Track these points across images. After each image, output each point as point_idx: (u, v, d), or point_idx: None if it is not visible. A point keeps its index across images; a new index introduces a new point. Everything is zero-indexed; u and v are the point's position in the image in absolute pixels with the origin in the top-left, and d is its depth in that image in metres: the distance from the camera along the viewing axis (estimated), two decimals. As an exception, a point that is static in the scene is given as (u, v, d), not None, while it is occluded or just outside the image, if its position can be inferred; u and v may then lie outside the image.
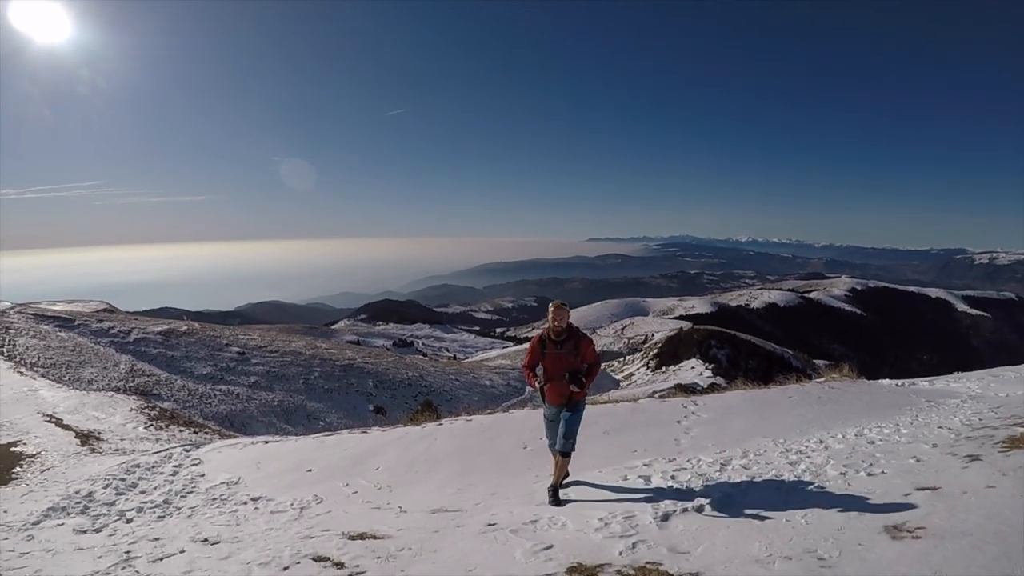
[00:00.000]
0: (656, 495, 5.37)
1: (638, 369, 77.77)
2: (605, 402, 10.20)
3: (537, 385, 6.01)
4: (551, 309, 5.95)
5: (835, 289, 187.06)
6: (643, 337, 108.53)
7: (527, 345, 6.73)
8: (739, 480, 5.57)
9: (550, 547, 4.39)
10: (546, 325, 6.04)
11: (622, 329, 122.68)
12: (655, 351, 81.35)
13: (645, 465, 6.52)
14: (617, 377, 70.75)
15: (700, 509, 4.89)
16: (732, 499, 5.03)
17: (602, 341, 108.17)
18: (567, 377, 5.84)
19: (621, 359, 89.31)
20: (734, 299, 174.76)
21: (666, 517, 4.75)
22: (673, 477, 5.91)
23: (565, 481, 6.30)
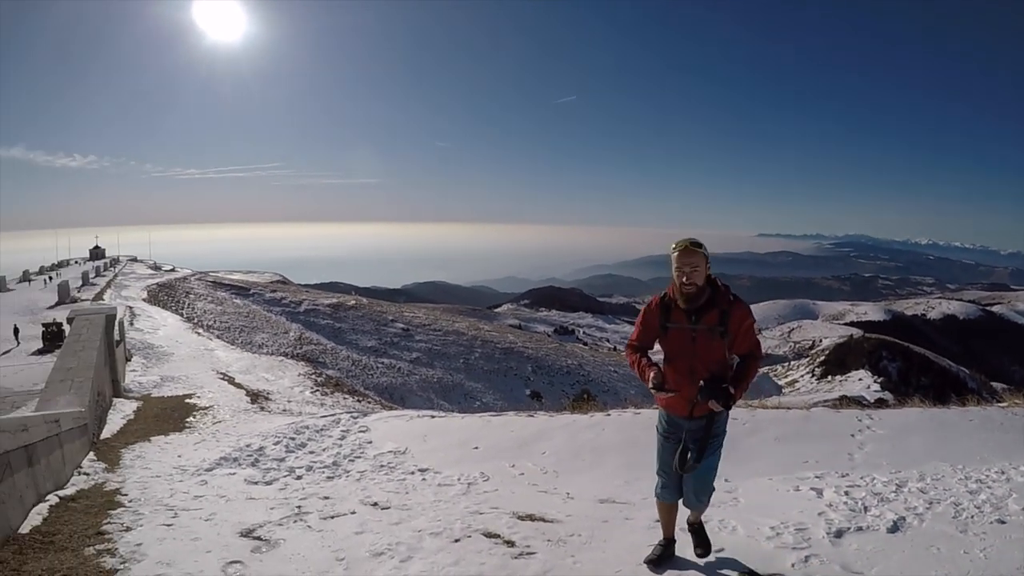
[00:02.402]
0: (828, 509, 5.37)
1: (802, 376, 76.83)
2: (775, 407, 10.26)
3: (650, 382, 3.96)
4: (676, 252, 3.97)
5: (1020, 304, 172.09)
6: (810, 342, 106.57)
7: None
8: (915, 504, 5.45)
9: (720, 550, 4.49)
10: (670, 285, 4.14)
11: (789, 332, 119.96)
12: (822, 358, 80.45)
13: (817, 477, 6.50)
14: (780, 383, 70.01)
15: (874, 529, 4.91)
16: (907, 523, 5.01)
17: (767, 343, 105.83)
18: (704, 384, 3.83)
19: (785, 364, 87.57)
20: (909, 307, 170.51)
21: (839, 534, 4.79)
22: (847, 493, 5.81)
23: (704, 559, 4.41)
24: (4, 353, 28.06)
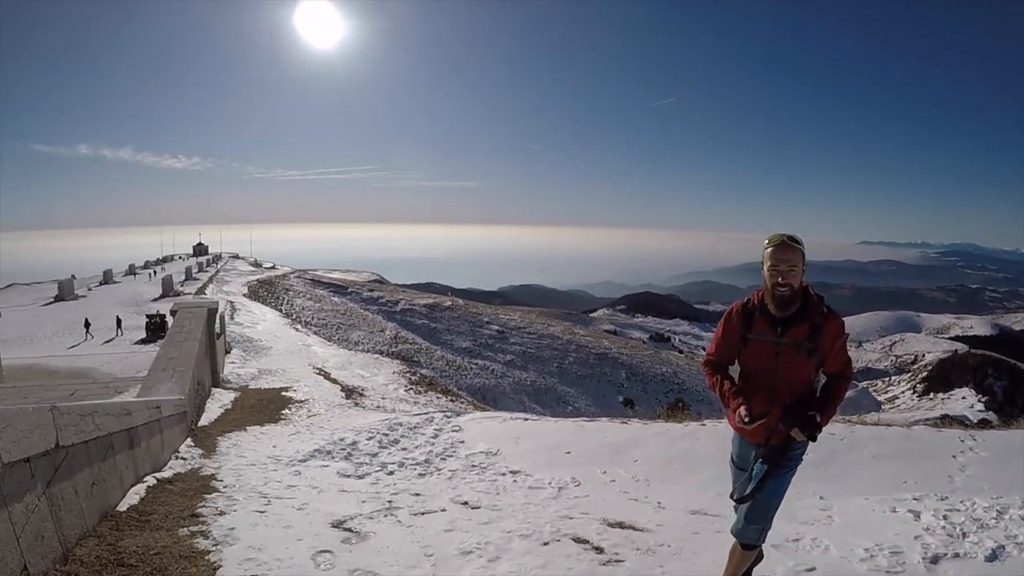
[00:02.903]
0: (925, 533, 5.29)
1: (903, 392, 75.25)
2: (874, 423, 10.07)
3: (739, 419, 3.45)
4: (770, 248, 3.48)
5: None
6: (912, 357, 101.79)
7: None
8: (1016, 532, 5.33)
9: (812, 569, 4.50)
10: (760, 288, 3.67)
11: (891, 346, 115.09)
12: (924, 374, 78.91)
13: (915, 499, 6.33)
14: (880, 399, 68.45)
15: (971, 557, 4.82)
16: (1006, 552, 4.91)
17: (867, 356, 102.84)
18: (786, 410, 3.43)
19: (886, 379, 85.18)
20: (1019, 322, 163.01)
21: (935, 560, 4.74)
22: (945, 517, 5.69)
23: None
24: (107, 341, 29.96)
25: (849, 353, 3.65)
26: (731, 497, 3.79)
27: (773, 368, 3.51)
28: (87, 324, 32.03)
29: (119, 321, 32.91)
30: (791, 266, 3.39)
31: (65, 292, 46.42)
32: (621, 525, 5.55)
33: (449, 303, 58.62)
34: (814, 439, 3.39)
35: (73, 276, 54.92)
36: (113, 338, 31.19)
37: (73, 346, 29.38)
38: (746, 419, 3.37)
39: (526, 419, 12.18)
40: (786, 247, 3.42)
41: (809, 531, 5.30)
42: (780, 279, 3.40)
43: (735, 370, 3.75)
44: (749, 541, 3.80)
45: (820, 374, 3.62)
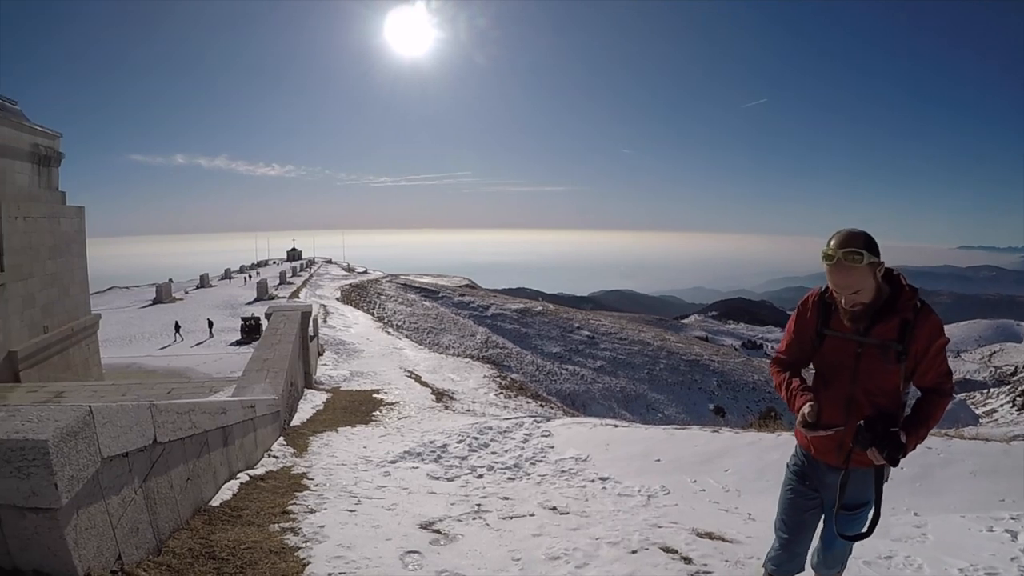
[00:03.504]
0: (1022, 555, 5.16)
1: (1002, 405, 69.66)
2: (972, 438, 9.49)
3: (801, 417, 2.96)
4: (827, 266, 2.85)
5: None
6: (1012, 368, 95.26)
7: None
8: None
9: None
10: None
11: (990, 356, 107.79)
12: None
13: (1012, 519, 6.11)
14: (977, 412, 64.17)
15: None
16: None
17: (965, 367, 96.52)
18: (863, 425, 2.82)
19: (984, 391, 79.83)
20: None
21: None
22: None
23: None
24: (198, 344, 31.44)
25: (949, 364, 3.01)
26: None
27: (852, 372, 2.97)
28: (177, 327, 33.71)
29: (210, 324, 34.52)
30: (854, 292, 2.83)
31: (163, 295, 49.05)
32: (710, 536, 5.50)
33: (540, 308, 58.84)
34: (895, 463, 2.75)
35: (171, 280, 57.97)
36: (204, 340, 32.73)
37: (164, 347, 30.94)
38: (810, 419, 2.88)
39: (616, 425, 12.07)
40: (843, 269, 2.78)
41: (902, 548, 5.24)
42: (845, 303, 2.90)
43: (809, 374, 3.23)
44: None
45: (910, 387, 3.01)
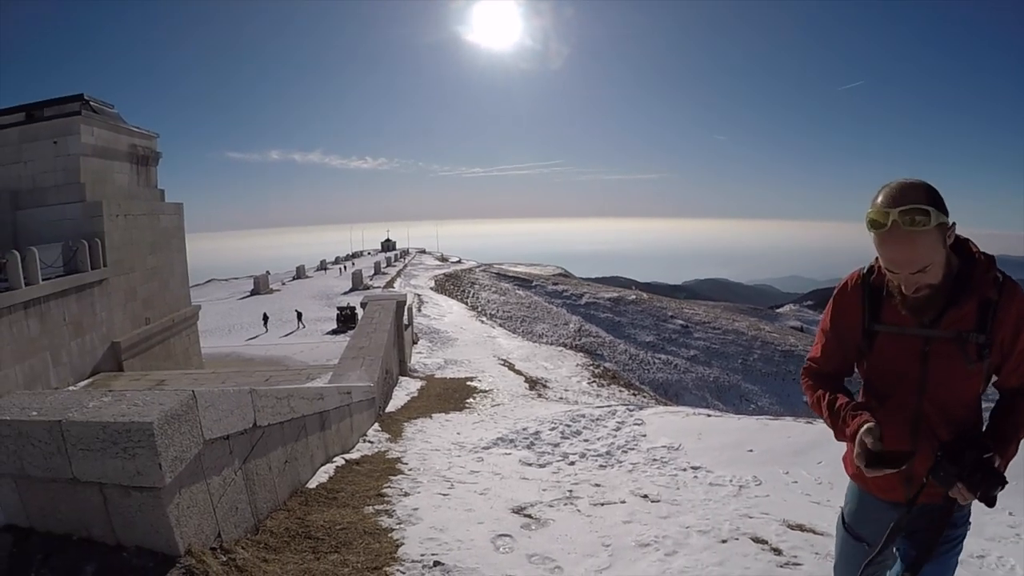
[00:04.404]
0: None
1: None
2: None
3: (861, 447, 2.03)
4: (876, 236, 2.00)
5: None
6: None
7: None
8: None
9: None
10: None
11: None
12: None
13: None
14: None
15: None
16: None
17: None
18: (943, 454, 2.05)
19: None
20: None
21: None
22: None
23: None
24: (287, 334, 32.43)
25: None
26: None
27: (918, 380, 2.17)
28: (265, 318, 34.92)
29: (299, 314, 35.65)
30: (919, 270, 1.99)
31: (260, 286, 50.99)
32: (801, 528, 5.42)
33: (633, 296, 58.42)
34: (992, 502, 1.96)
35: (268, 272, 60.14)
36: (292, 331, 33.79)
37: (251, 338, 32.06)
38: (871, 448, 1.99)
39: (708, 415, 11.91)
40: (902, 239, 1.94)
41: (995, 548, 5.11)
42: (906, 288, 2.06)
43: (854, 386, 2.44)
44: None
45: (988, 389, 2.28)
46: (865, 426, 2.03)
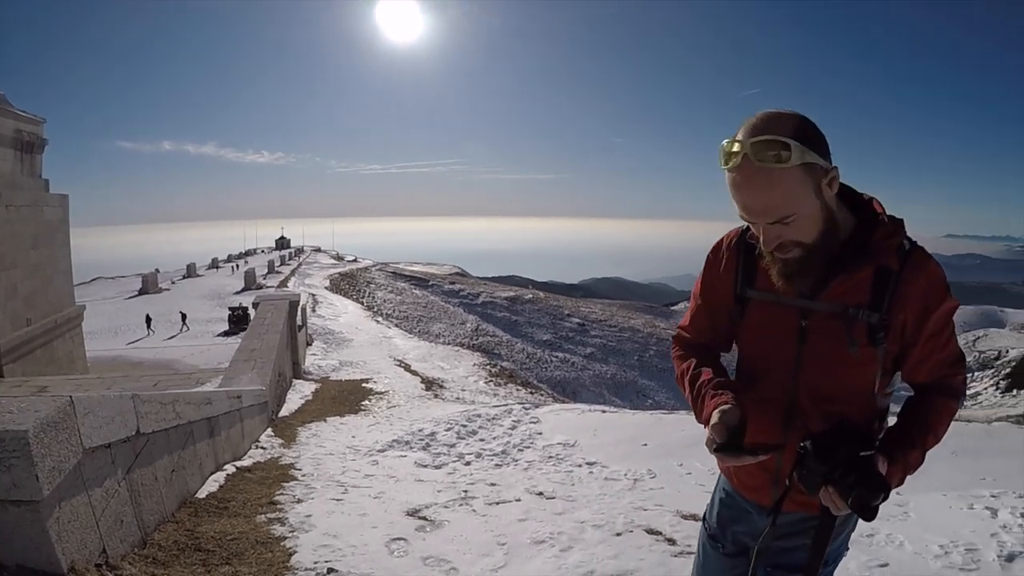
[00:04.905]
0: (1002, 531, 5.25)
1: (985, 388, 72.19)
2: (955, 419, 9.60)
3: (713, 431, 1.63)
4: (728, 175, 1.57)
5: None
6: (995, 353, 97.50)
7: None
8: None
9: (885, 565, 4.52)
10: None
11: (974, 341, 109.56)
12: (1007, 370, 75.38)
13: (993, 496, 6.26)
14: None
15: None
16: None
17: None
18: (808, 448, 1.63)
19: (969, 375, 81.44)
20: None
21: (1011, 558, 4.72)
22: (1023, 515, 5.62)
23: None
24: (171, 337, 31.41)
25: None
26: None
27: (794, 360, 1.78)
28: (148, 320, 33.64)
29: (183, 316, 34.55)
30: (778, 219, 1.58)
31: (149, 285, 49.04)
32: (695, 517, 5.45)
33: (530, 296, 59.16)
34: (871, 515, 1.51)
35: (157, 270, 57.81)
36: (176, 334, 32.67)
37: (132, 341, 30.85)
38: (719, 439, 1.62)
39: (604, 411, 12.20)
40: (754, 177, 1.53)
41: (884, 526, 5.28)
42: (766, 244, 1.66)
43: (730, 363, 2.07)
44: None
45: (894, 384, 1.84)
46: (720, 410, 1.66)
